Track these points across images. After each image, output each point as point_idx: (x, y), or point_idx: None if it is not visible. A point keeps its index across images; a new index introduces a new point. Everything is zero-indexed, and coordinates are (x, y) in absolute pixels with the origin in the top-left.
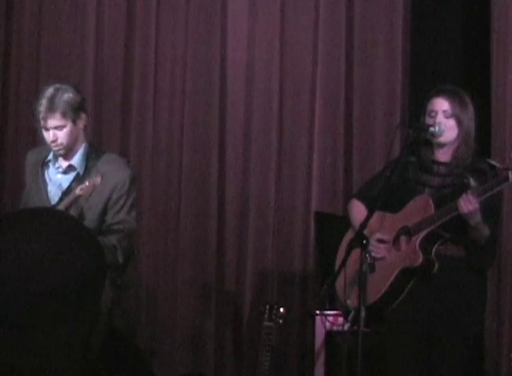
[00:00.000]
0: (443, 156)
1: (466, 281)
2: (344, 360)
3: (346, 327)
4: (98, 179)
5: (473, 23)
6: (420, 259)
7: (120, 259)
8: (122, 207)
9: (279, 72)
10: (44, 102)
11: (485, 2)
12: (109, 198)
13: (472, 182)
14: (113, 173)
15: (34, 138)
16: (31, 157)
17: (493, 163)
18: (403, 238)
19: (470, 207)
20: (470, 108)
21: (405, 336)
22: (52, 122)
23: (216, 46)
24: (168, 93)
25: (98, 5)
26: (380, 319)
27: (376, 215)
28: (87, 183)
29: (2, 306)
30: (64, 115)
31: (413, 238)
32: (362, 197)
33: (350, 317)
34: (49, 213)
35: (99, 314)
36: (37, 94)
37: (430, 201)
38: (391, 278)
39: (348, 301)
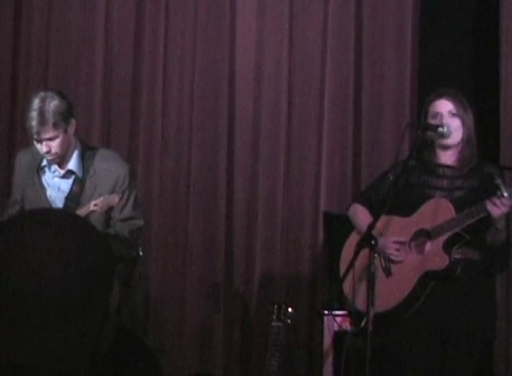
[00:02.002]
0: (446, 158)
1: (481, 285)
2: (352, 360)
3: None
4: (116, 199)
5: (482, 25)
6: (447, 262)
7: (134, 252)
8: (126, 202)
9: (287, 72)
10: (34, 115)
11: (495, 4)
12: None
13: (501, 183)
14: (112, 171)
15: None
16: (23, 158)
17: (503, 166)
18: (423, 241)
19: (504, 209)
20: (470, 110)
21: (420, 338)
22: (45, 135)
23: (225, 46)
24: (177, 93)
25: (107, 5)
26: (395, 324)
27: (382, 218)
28: (102, 199)
29: (12, 306)
30: (56, 126)
31: (435, 241)
32: (364, 202)
33: (363, 324)
34: (56, 213)
35: (108, 313)
36: (26, 106)
37: (448, 203)
38: (414, 281)
39: (359, 307)
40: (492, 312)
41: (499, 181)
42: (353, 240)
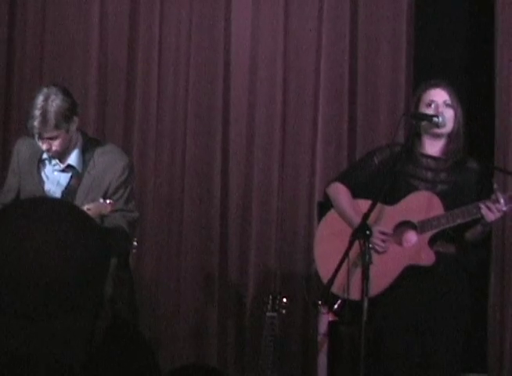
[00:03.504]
0: (433, 149)
1: (456, 277)
2: (346, 350)
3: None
4: (108, 208)
5: (477, 13)
6: (434, 259)
7: (130, 245)
8: (121, 197)
9: (282, 63)
10: (36, 114)
11: None
12: (107, 189)
13: (497, 189)
14: (111, 164)
15: None
16: (23, 146)
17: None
18: (407, 232)
19: (497, 215)
20: (460, 103)
21: (400, 328)
22: (47, 134)
23: (220, 37)
24: (172, 84)
25: None
26: (372, 312)
27: (364, 203)
28: (95, 204)
29: (7, 296)
30: (58, 127)
31: (422, 235)
32: (346, 182)
33: (335, 308)
34: (50, 202)
35: (102, 302)
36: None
37: (438, 200)
38: (396, 273)
39: (334, 290)
40: (466, 302)
41: (496, 186)
42: (330, 219)
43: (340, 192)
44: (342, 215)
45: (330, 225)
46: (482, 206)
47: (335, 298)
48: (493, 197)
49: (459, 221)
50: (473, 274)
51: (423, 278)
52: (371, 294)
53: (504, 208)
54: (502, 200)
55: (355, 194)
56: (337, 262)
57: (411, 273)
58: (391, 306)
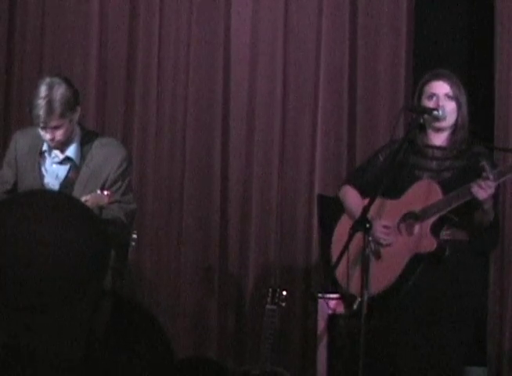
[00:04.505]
0: (438, 140)
1: (471, 265)
2: (346, 343)
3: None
4: (105, 199)
5: (477, 6)
6: (435, 245)
7: (128, 236)
8: (118, 189)
9: (282, 56)
10: (41, 103)
11: None
12: (105, 181)
13: (486, 165)
14: (109, 157)
15: None
16: (22, 140)
17: (493, 146)
18: (411, 223)
19: (489, 191)
20: (465, 94)
21: (409, 320)
22: (51, 124)
23: (220, 30)
24: (172, 77)
25: None
26: (386, 306)
27: (370, 199)
28: (92, 195)
29: (6, 288)
30: (62, 115)
31: (423, 223)
32: (354, 183)
33: (356, 306)
34: (49, 194)
35: (102, 294)
36: (35, 85)
37: (436, 186)
38: (402, 264)
39: (352, 290)
40: (481, 291)
41: (483, 163)
42: (344, 222)
43: (348, 193)
44: (352, 215)
45: (344, 227)
46: (473, 185)
47: (353, 297)
48: (484, 174)
49: (454, 204)
50: (488, 255)
51: (431, 267)
52: (381, 288)
53: (494, 183)
54: (491, 176)
55: (366, 194)
56: (349, 259)
57: (420, 263)
58: (400, 298)
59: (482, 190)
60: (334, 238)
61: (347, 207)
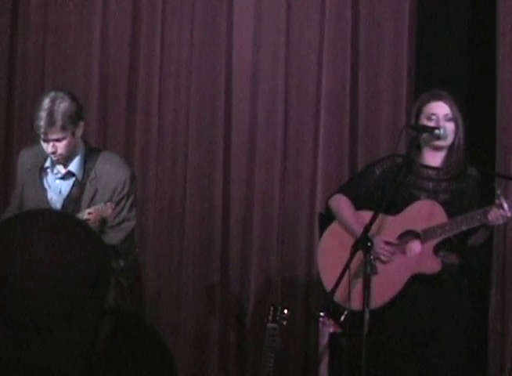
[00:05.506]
0: (433, 160)
1: (459, 287)
2: (347, 362)
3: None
4: (109, 210)
5: (479, 22)
6: (439, 267)
7: (122, 263)
8: (123, 208)
9: (284, 72)
10: (43, 115)
11: (491, 1)
12: (110, 200)
13: (500, 192)
14: (113, 175)
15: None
16: (26, 157)
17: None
18: (412, 242)
19: (505, 220)
20: (463, 116)
21: (403, 339)
22: (53, 136)
23: (222, 46)
24: (173, 93)
25: (104, 3)
26: (381, 322)
27: (367, 214)
28: (96, 208)
29: (7, 307)
30: (64, 128)
31: (426, 244)
32: (348, 193)
33: (342, 319)
34: (52, 213)
35: (104, 313)
36: (38, 98)
37: (440, 208)
38: (402, 283)
39: (344, 304)
40: (468, 313)
41: (499, 192)
42: (333, 232)
43: (342, 203)
44: (345, 226)
45: (334, 236)
46: (489, 211)
47: (341, 310)
48: (497, 202)
49: (463, 227)
50: (475, 281)
51: (427, 287)
52: (377, 304)
53: (509, 214)
54: (505, 205)
55: (358, 205)
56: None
57: (416, 283)
58: (395, 317)
59: (499, 217)
60: (321, 248)
61: (340, 216)
